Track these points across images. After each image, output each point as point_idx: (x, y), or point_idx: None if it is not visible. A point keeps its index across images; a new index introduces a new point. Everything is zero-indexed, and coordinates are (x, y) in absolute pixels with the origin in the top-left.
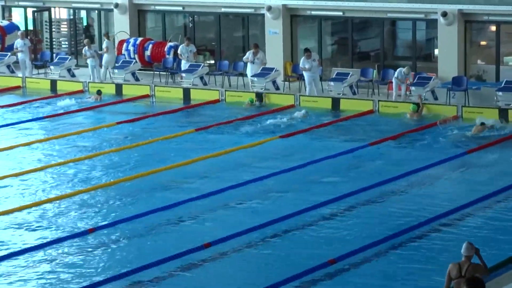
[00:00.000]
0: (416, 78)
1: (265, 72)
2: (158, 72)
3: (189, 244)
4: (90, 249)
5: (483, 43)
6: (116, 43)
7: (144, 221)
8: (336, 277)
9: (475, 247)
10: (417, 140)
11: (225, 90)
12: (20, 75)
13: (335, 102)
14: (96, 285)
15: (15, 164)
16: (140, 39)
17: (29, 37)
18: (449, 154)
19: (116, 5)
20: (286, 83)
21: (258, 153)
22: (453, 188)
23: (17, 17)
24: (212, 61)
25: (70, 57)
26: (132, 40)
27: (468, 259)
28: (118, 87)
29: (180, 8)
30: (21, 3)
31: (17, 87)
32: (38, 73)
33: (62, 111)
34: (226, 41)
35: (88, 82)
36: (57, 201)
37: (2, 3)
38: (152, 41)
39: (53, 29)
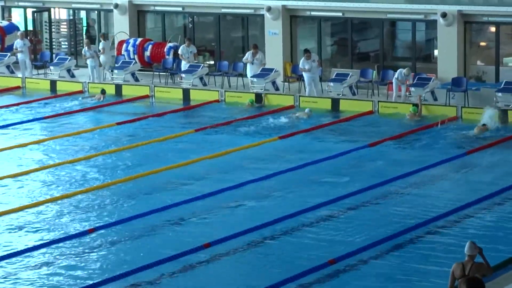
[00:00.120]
0: (416, 79)
1: (264, 72)
2: (157, 73)
3: (189, 244)
4: (89, 250)
5: (482, 44)
6: (116, 44)
7: (144, 221)
8: (336, 278)
9: (478, 247)
10: (417, 141)
11: (225, 91)
12: (19, 75)
13: (335, 102)
14: (96, 285)
15: (15, 164)
16: (139, 39)
17: (28, 38)
18: (449, 155)
19: (116, 6)
20: (286, 83)
21: (257, 153)
22: (453, 188)
23: (17, 17)
24: (212, 62)
25: (69, 57)
26: (131, 41)
27: (472, 259)
28: (118, 88)
29: (179, 9)
30: (21, 4)
31: (17, 88)
32: (38, 74)
33: (62, 112)
34: (225, 42)
35: (88, 83)
36: (57, 202)
37: (2, 3)
38: (152, 42)
39: (53, 30)
